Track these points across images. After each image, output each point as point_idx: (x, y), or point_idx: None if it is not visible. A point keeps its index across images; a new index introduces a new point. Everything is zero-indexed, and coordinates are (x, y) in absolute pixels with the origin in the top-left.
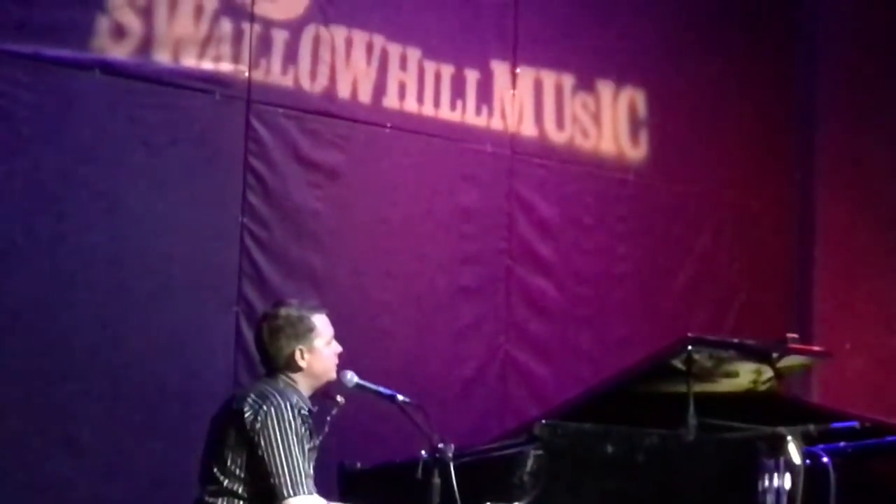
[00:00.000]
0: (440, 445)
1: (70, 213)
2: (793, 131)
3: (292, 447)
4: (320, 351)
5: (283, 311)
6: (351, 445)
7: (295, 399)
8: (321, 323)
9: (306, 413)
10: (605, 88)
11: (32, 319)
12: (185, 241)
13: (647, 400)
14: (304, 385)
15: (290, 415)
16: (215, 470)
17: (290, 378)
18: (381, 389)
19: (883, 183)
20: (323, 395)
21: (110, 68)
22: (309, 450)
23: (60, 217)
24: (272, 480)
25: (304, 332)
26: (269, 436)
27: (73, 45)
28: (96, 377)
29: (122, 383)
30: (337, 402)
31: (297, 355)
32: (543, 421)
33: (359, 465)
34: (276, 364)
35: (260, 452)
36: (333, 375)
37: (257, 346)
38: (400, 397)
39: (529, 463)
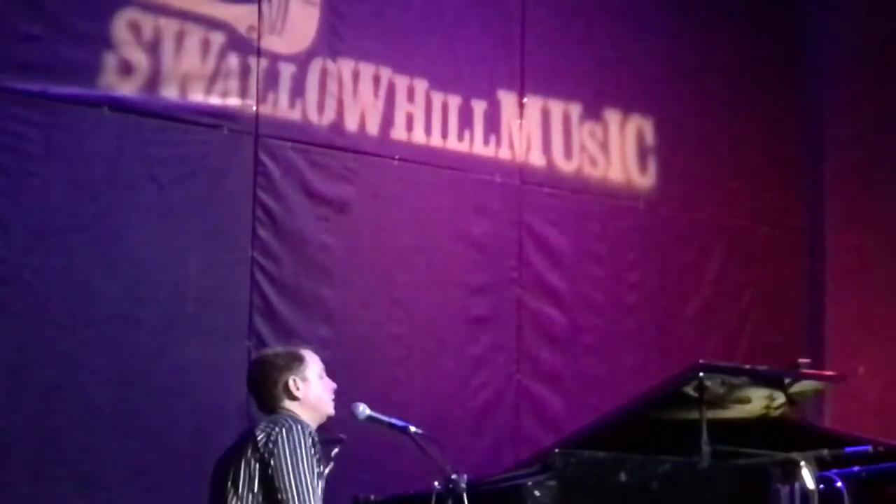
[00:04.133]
0: (453, 476)
1: (80, 250)
2: (801, 155)
3: (301, 464)
4: (313, 381)
5: (269, 351)
6: (364, 478)
7: (305, 424)
8: (310, 356)
9: (315, 438)
10: (613, 117)
11: (42, 355)
12: (196, 276)
13: (660, 427)
14: (306, 418)
15: (301, 435)
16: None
17: (291, 412)
18: (394, 421)
19: (893, 206)
20: (325, 434)
21: (118, 105)
22: (319, 475)
23: (70, 254)
24: (280, 496)
25: (293, 362)
26: (279, 454)
27: (81, 82)
28: (108, 413)
29: (135, 419)
30: (340, 440)
31: (292, 385)
32: (557, 450)
33: (372, 497)
34: (273, 399)
35: (270, 471)
36: (331, 410)
37: (252, 389)
38: (412, 429)
39: (543, 493)
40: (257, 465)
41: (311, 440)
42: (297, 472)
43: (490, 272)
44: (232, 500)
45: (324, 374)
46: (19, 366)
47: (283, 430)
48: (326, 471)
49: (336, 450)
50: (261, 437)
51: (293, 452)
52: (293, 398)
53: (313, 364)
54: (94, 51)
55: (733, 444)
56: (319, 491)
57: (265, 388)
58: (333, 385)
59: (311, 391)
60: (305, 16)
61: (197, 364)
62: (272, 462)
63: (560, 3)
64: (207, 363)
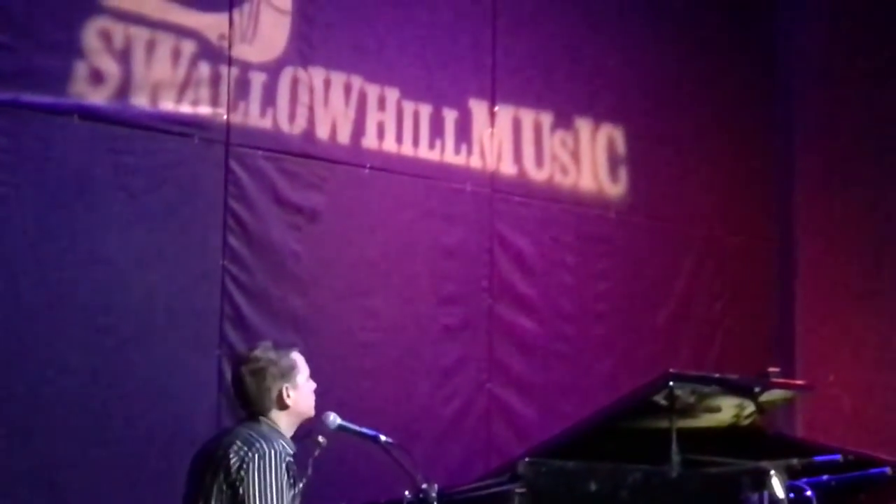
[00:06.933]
0: (424, 486)
1: (51, 259)
2: (771, 166)
3: (271, 495)
4: (303, 387)
5: (261, 353)
6: (335, 487)
7: (280, 445)
8: (300, 360)
9: (290, 459)
10: (584, 125)
11: (14, 364)
12: (167, 285)
13: (631, 436)
14: (286, 425)
15: (275, 462)
16: None
17: (272, 420)
18: (365, 430)
19: (861, 217)
20: (304, 436)
21: (89, 113)
22: (293, 497)
23: (41, 263)
24: None
25: (287, 369)
26: (251, 482)
27: (51, 90)
28: (79, 421)
29: (105, 427)
30: (319, 443)
31: (284, 394)
32: (527, 459)
33: None
34: (260, 406)
35: (239, 500)
36: (312, 412)
37: (238, 391)
38: (383, 438)
39: (514, 502)
40: (230, 492)
41: (284, 465)
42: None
43: (461, 281)
44: None
45: (308, 376)
46: None
47: (256, 457)
48: (301, 485)
49: (315, 453)
50: (234, 460)
51: (262, 482)
52: (283, 407)
53: (304, 369)
54: (65, 59)
55: (703, 452)
56: None
57: (256, 394)
58: (314, 385)
59: (301, 398)
60: (276, 24)
61: (168, 372)
62: (241, 490)
63: (531, 13)
64: (178, 371)
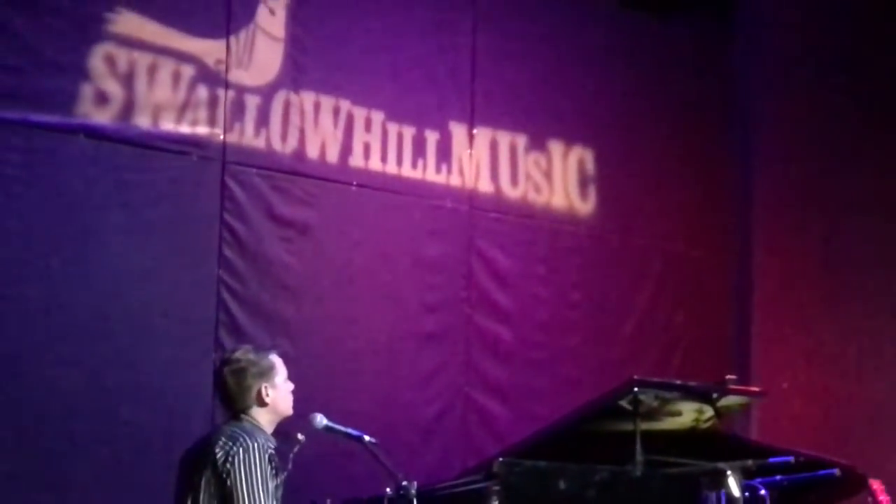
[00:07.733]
0: (404, 483)
1: (57, 268)
2: (730, 185)
3: (257, 485)
4: (281, 387)
5: (241, 355)
6: (321, 483)
7: (262, 440)
8: (278, 361)
9: (272, 452)
10: (556, 147)
11: (22, 369)
12: (165, 294)
13: (598, 438)
14: (266, 422)
15: (258, 455)
16: None
17: (253, 418)
18: (350, 431)
19: (814, 233)
20: (284, 434)
21: (94, 132)
22: (275, 487)
23: (48, 272)
24: None
25: (266, 369)
26: (237, 474)
27: (59, 111)
28: (82, 423)
29: (107, 429)
30: (298, 441)
31: (263, 392)
32: (501, 459)
33: (328, 501)
34: (241, 405)
35: (227, 492)
36: (290, 411)
37: (221, 391)
38: (367, 438)
39: (488, 499)
40: (217, 485)
41: (266, 457)
42: (252, 493)
43: (441, 292)
44: None
45: (286, 377)
46: None
47: (241, 451)
48: (282, 476)
49: (295, 449)
50: (219, 454)
51: (248, 473)
52: (263, 405)
53: (282, 370)
54: (72, 81)
55: (666, 454)
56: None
57: (237, 393)
58: (292, 386)
59: (279, 397)
60: (270, 51)
61: (166, 376)
62: (228, 482)
63: (507, 45)
64: (175, 375)
